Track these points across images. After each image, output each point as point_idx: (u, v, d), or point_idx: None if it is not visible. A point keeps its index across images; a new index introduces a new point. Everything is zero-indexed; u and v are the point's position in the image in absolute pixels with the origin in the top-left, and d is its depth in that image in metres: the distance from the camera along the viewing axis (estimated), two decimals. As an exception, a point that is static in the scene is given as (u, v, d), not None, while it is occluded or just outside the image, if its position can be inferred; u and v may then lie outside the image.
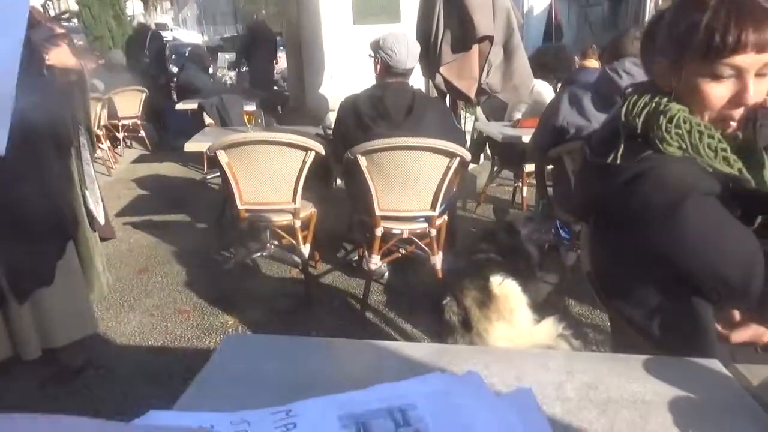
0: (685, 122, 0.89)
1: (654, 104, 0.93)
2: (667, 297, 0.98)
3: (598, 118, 2.46)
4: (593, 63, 3.49)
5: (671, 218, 0.85)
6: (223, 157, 2.52)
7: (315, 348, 0.85)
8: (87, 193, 2.43)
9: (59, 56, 2.23)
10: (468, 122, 4.72)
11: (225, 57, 10.56)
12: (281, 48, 8.23)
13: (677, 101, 0.91)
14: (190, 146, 3.23)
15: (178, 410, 0.67)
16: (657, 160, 0.88)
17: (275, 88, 8.41)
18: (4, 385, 2.01)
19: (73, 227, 2.17)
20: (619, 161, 0.92)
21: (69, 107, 2.31)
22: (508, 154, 3.78)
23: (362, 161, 2.39)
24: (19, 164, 1.72)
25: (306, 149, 2.51)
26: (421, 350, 0.82)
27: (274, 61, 8.52)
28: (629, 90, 1.02)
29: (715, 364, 0.73)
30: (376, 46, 2.55)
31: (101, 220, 2.57)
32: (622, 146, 0.92)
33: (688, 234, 0.86)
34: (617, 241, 1.00)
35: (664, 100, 0.93)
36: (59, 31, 2.46)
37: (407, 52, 2.52)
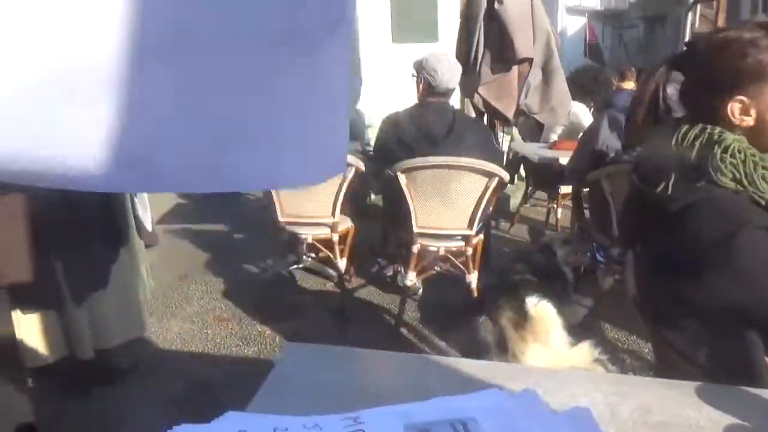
0: (739, 152, 0.91)
1: (707, 135, 0.95)
2: (716, 328, 0.99)
3: (638, 143, 2.46)
4: (630, 84, 3.48)
5: (723, 251, 0.87)
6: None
7: (372, 360, 0.90)
8: (136, 199, 2.54)
9: None
10: (505, 142, 4.74)
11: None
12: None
13: (753, 135, 0.93)
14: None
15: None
16: (710, 191, 0.90)
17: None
18: (57, 382, 2.11)
19: (125, 233, 2.28)
20: (669, 191, 0.94)
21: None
22: (544, 175, 3.78)
23: (402, 179, 2.44)
24: None
25: (347, 165, 2.58)
26: (474, 367, 0.85)
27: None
28: (676, 118, 1.04)
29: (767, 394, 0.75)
30: (419, 67, 2.62)
31: (149, 227, 2.67)
32: (673, 176, 0.95)
33: (740, 267, 0.87)
34: (664, 270, 1.01)
35: (717, 130, 0.95)
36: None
37: (449, 72, 2.58)
